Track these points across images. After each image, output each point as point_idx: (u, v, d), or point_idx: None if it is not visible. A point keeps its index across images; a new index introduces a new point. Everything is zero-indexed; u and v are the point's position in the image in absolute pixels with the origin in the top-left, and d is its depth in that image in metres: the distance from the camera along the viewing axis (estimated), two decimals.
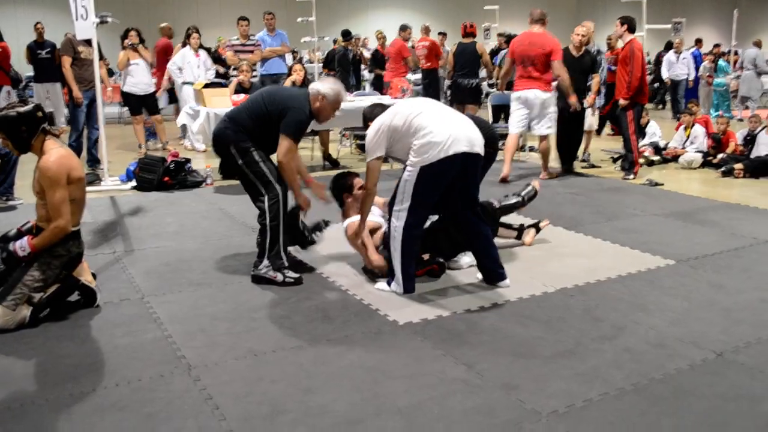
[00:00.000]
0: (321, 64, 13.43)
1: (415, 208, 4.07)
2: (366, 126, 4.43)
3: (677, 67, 14.19)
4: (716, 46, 17.12)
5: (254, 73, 9.37)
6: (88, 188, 7.36)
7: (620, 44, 8.27)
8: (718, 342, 3.60)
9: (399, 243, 4.14)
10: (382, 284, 4.36)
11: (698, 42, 16.10)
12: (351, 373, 3.28)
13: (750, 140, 8.61)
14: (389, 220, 4.23)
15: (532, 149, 9.64)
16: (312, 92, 4.47)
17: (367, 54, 14.34)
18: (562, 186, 7.72)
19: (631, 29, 8.02)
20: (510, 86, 9.09)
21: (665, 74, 14.46)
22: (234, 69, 9.47)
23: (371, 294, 4.29)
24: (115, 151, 9.98)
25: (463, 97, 10.40)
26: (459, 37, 10.59)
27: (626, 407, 2.96)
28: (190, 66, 10.38)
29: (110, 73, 13.67)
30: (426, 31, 12.99)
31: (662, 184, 7.70)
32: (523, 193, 5.36)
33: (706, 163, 8.85)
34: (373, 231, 4.62)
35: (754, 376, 3.24)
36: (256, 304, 4.16)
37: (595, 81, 8.35)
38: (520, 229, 5.39)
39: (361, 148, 9.39)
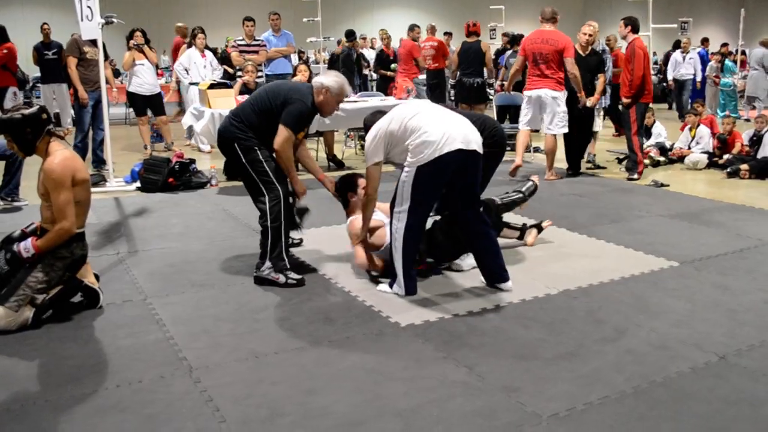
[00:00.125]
0: (326, 65, 13.44)
1: (415, 208, 4.07)
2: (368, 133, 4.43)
3: (683, 67, 14.14)
4: (724, 45, 17.05)
5: (259, 74, 9.37)
6: (93, 189, 7.42)
7: (624, 45, 8.27)
8: (721, 344, 3.58)
9: (400, 244, 4.14)
10: (383, 286, 4.36)
11: (705, 41, 16.05)
12: (352, 375, 3.28)
13: (756, 141, 8.56)
14: (390, 223, 4.23)
15: (537, 150, 9.62)
16: (316, 85, 4.47)
17: (370, 54, 14.30)
18: (567, 187, 7.70)
19: (635, 29, 8.01)
20: (517, 87, 9.13)
21: (670, 74, 14.41)
22: (239, 70, 9.47)
23: (373, 296, 4.29)
24: (121, 152, 10.00)
25: (468, 97, 10.42)
26: (464, 36, 10.60)
27: (626, 410, 2.95)
28: (196, 66, 10.39)
29: (116, 73, 13.72)
30: (432, 30, 12.98)
31: (668, 185, 7.68)
32: (523, 189, 5.37)
33: (711, 164, 8.82)
34: (374, 230, 4.63)
35: (757, 379, 3.23)
36: (259, 306, 4.17)
37: (600, 81, 8.29)
38: (523, 229, 5.39)
39: None
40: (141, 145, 10.10)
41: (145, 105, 9.96)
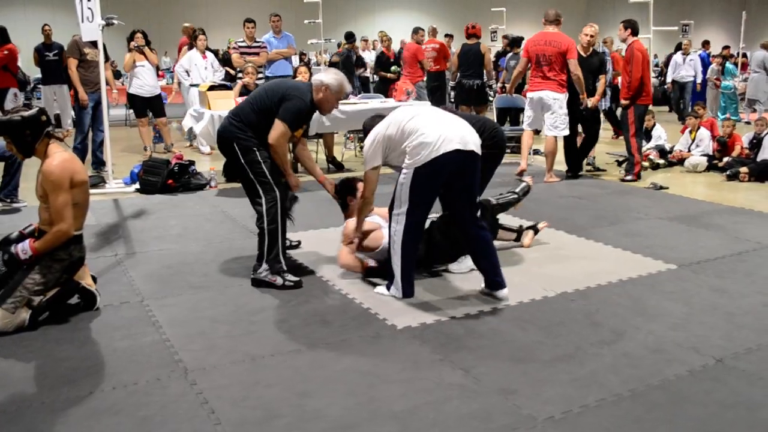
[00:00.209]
0: (327, 67, 13.44)
1: (413, 210, 4.06)
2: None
3: (683, 69, 14.12)
4: (725, 48, 17.04)
5: (260, 76, 9.37)
6: (93, 191, 7.41)
7: (620, 47, 8.30)
8: (718, 347, 3.58)
9: (399, 246, 4.13)
10: (381, 288, 4.36)
11: (705, 44, 16.04)
12: (347, 377, 3.28)
13: (756, 143, 8.55)
14: (389, 225, 4.23)
15: (537, 152, 9.62)
16: (315, 83, 4.47)
17: (371, 57, 14.29)
18: (566, 189, 7.70)
19: (635, 32, 8.06)
20: (517, 89, 9.16)
21: (670, 76, 14.40)
22: (240, 71, 9.48)
23: (370, 298, 4.28)
24: (121, 154, 10.01)
25: (468, 99, 10.44)
26: (465, 39, 10.61)
27: (622, 413, 2.94)
28: (197, 68, 10.40)
29: (117, 75, 13.75)
30: (433, 32, 13.00)
31: (667, 188, 7.67)
32: (517, 190, 5.40)
33: (711, 167, 8.81)
34: (369, 232, 4.65)
35: (754, 382, 3.22)
36: (256, 308, 4.17)
37: (601, 82, 8.30)
38: (519, 231, 5.41)
39: None
40: (141, 146, 10.10)
41: (145, 106, 9.96)
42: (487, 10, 17.94)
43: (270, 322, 3.95)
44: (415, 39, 11.33)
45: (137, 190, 7.60)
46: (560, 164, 8.44)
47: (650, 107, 9.29)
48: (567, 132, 7.99)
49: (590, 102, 8.03)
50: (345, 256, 4.72)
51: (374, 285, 4.47)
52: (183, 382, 3.22)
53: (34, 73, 14.46)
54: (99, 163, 8.67)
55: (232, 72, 10.73)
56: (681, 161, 9.12)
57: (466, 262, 4.72)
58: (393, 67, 12.35)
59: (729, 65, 14.82)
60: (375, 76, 13.38)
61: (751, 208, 6.73)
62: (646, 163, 8.90)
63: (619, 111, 8.95)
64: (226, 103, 7.82)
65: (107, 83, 8.20)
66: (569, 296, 4.34)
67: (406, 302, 4.20)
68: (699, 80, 14.11)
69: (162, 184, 7.48)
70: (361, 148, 9.82)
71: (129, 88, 9.96)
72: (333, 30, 16.76)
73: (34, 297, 3.81)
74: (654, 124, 9.67)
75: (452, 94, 12.65)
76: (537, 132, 8.99)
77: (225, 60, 11.53)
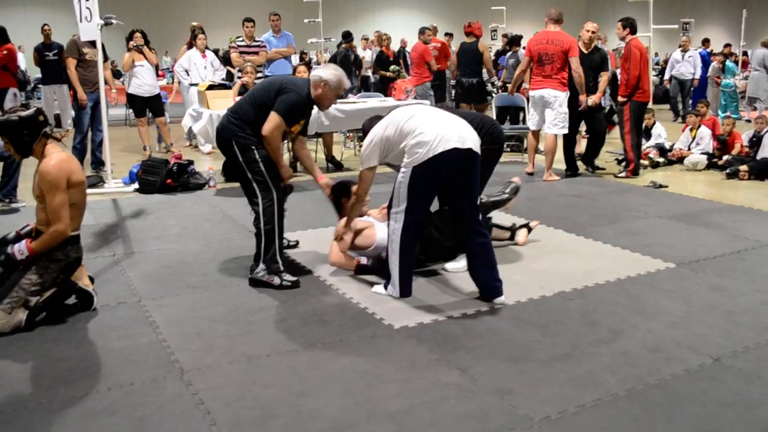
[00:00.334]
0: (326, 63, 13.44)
1: (412, 209, 4.06)
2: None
3: (682, 66, 14.10)
4: (726, 46, 17.02)
5: (259, 75, 9.36)
6: (91, 190, 7.43)
7: (613, 45, 8.33)
8: (716, 346, 3.57)
9: (397, 245, 4.13)
10: (378, 287, 4.35)
11: (705, 42, 16.01)
12: (344, 377, 3.27)
13: (756, 142, 8.54)
14: (388, 224, 4.23)
15: (537, 151, 9.60)
16: (314, 78, 4.47)
17: (369, 55, 14.27)
18: (565, 188, 7.69)
19: (633, 30, 8.12)
20: (520, 89, 9.17)
21: (668, 73, 14.37)
22: (239, 71, 9.47)
23: (368, 298, 4.28)
24: (120, 153, 10.01)
25: (468, 97, 10.44)
26: (464, 37, 10.63)
27: (619, 413, 2.93)
28: (196, 67, 10.40)
29: (117, 74, 13.75)
30: (434, 31, 12.98)
31: (666, 186, 7.66)
32: (507, 190, 5.40)
33: (711, 165, 8.80)
34: (361, 230, 4.69)
35: (752, 381, 3.21)
36: (253, 308, 4.16)
37: (603, 79, 8.26)
38: (512, 229, 5.43)
39: None
40: (140, 146, 10.10)
41: (144, 106, 9.96)
42: (488, 8, 17.92)
43: (267, 322, 3.94)
44: (422, 39, 11.25)
45: (136, 190, 7.60)
46: (560, 162, 8.42)
47: (650, 105, 9.31)
48: (566, 130, 8.01)
49: (590, 100, 8.02)
50: (336, 253, 4.74)
51: (372, 284, 4.46)
52: (179, 383, 3.22)
53: (35, 73, 14.46)
54: (98, 163, 8.67)
55: (234, 71, 10.71)
56: (681, 159, 9.10)
57: (464, 261, 4.72)
58: (392, 66, 12.34)
59: (729, 63, 14.80)
60: (375, 75, 13.36)
61: (751, 206, 6.71)
62: (645, 162, 8.89)
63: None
64: (225, 102, 7.81)
65: (106, 83, 8.20)
66: (567, 295, 4.33)
67: (403, 302, 4.19)
68: (697, 76, 14.07)
69: (161, 184, 7.48)
70: (361, 147, 9.86)
71: (128, 88, 9.95)
72: (333, 29, 16.75)
73: (30, 297, 3.81)
74: (654, 123, 9.65)
75: (452, 93, 12.64)
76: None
77: (226, 59, 11.52)
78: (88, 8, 7.51)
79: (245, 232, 5.76)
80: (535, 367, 3.36)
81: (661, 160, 9.14)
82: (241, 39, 10.22)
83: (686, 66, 14.07)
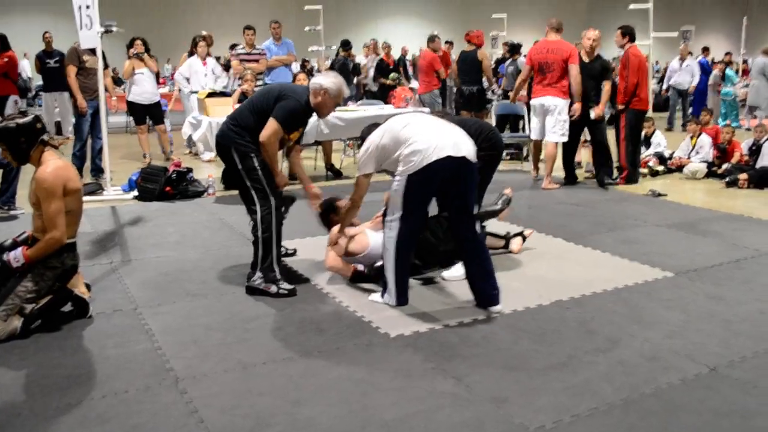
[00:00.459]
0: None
1: (406, 217, 4.07)
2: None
3: (680, 75, 14.04)
4: (727, 54, 17.04)
5: (259, 83, 9.37)
6: (90, 198, 7.44)
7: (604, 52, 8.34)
8: (713, 355, 3.56)
9: (392, 254, 4.13)
10: (375, 296, 4.35)
11: (705, 50, 16.01)
12: (340, 385, 3.26)
13: (755, 150, 8.53)
14: (384, 232, 4.23)
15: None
16: (314, 86, 4.47)
17: (370, 61, 14.26)
18: (564, 196, 7.69)
19: (632, 38, 8.17)
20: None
21: (666, 82, 14.34)
22: (239, 78, 9.48)
23: (364, 306, 4.27)
24: (120, 161, 10.01)
25: (468, 104, 10.47)
26: (465, 46, 10.66)
27: (614, 422, 2.92)
28: (196, 75, 10.41)
29: (119, 82, 13.77)
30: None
31: (665, 195, 7.65)
32: (498, 202, 5.43)
33: (710, 174, 8.79)
34: (353, 237, 4.72)
35: (748, 390, 3.20)
36: (250, 316, 4.15)
37: (605, 89, 8.14)
38: (507, 238, 5.44)
39: None
40: (140, 153, 10.10)
41: (144, 114, 9.96)
42: (488, 16, 17.94)
43: (264, 330, 3.93)
44: (431, 47, 11.25)
45: (135, 198, 7.60)
46: (560, 170, 8.41)
47: (651, 114, 9.32)
48: (566, 138, 8.01)
49: (593, 113, 7.97)
50: (332, 258, 4.74)
51: (368, 292, 4.46)
52: (174, 391, 3.21)
53: (38, 80, 14.49)
54: (98, 171, 8.67)
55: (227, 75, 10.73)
56: (680, 168, 9.09)
57: (461, 269, 4.71)
58: (392, 74, 12.35)
59: (729, 72, 14.78)
60: (375, 83, 13.36)
61: (750, 215, 6.70)
62: (645, 170, 8.89)
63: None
64: (225, 109, 7.83)
65: (106, 90, 8.21)
66: (564, 304, 4.32)
67: (399, 310, 4.18)
68: (694, 84, 14.00)
69: (160, 192, 7.47)
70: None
71: (128, 96, 9.96)
72: (334, 37, 16.79)
73: (26, 305, 3.81)
74: (654, 131, 9.65)
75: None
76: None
77: (227, 66, 11.54)
78: (88, 16, 7.53)
79: (243, 240, 5.76)
80: (531, 376, 3.35)
81: (661, 168, 9.13)
82: (241, 47, 10.24)
83: (684, 75, 13.99)
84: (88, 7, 7.52)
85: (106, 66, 8.50)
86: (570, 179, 8.35)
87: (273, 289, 4.44)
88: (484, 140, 4.80)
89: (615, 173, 8.46)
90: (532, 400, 3.11)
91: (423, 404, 3.08)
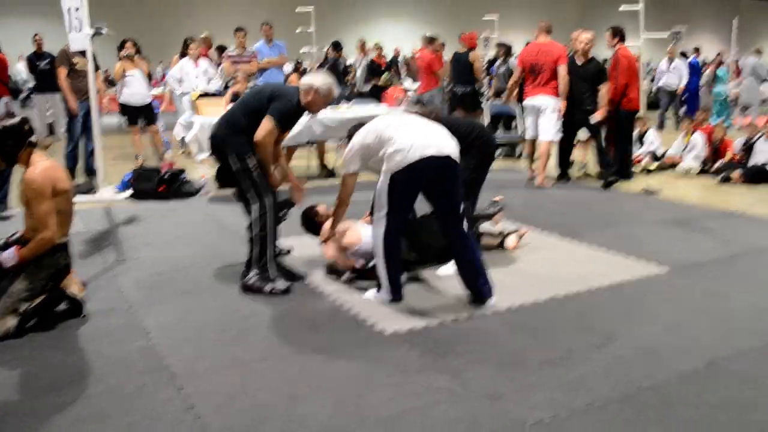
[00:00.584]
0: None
1: (392, 213, 4.11)
2: None
3: (668, 77, 14.01)
4: (718, 54, 17.08)
5: (250, 84, 9.35)
6: (84, 198, 7.41)
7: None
8: (709, 350, 3.57)
9: (381, 250, 4.16)
10: (370, 293, 4.35)
11: (696, 50, 16.03)
12: (335, 383, 3.26)
13: (747, 148, 8.56)
14: (373, 229, 4.25)
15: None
16: (304, 86, 4.49)
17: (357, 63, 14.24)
18: (559, 193, 7.71)
19: (622, 39, 8.24)
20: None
21: (655, 84, 14.31)
22: (231, 79, 9.47)
23: (359, 303, 4.26)
24: (113, 161, 9.97)
25: (460, 105, 10.48)
26: (457, 47, 10.69)
27: (611, 417, 2.92)
28: (188, 76, 10.37)
29: (111, 83, 13.71)
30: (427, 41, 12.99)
31: (659, 192, 7.66)
32: (490, 210, 5.55)
33: (703, 171, 8.81)
34: (344, 231, 4.75)
35: (745, 384, 3.21)
36: (245, 314, 4.14)
37: (602, 92, 7.98)
38: (502, 236, 5.45)
39: None
40: (133, 154, 10.05)
41: (136, 115, 9.92)
42: (479, 18, 17.95)
43: (259, 328, 3.92)
44: (431, 48, 11.26)
45: (129, 198, 7.56)
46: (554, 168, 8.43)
47: (643, 113, 9.33)
48: (558, 137, 8.07)
49: (594, 118, 7.90)
50: (331, 249, 4.74)
51: (363, 290, 4.45)
52: (170, 388, 3.19)
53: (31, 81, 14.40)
54: (91, 172, 8.63)
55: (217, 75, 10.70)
56: (673, 166, 9.11)
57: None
58: (384, 75, 12.35)
59: (720, 71, 14.80)
60: (366, 85, 13.32)
61: (743, 211, 6.72)
62: (638, 168, 8.90)
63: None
64: (217, 110, 7.80)
65: (98, 91, 8.17)
66: (560, 300, 4.32)
67: (394, 307, 4.18)
68: (682, 85, 13.97)
69: (153, 191, 7.45)
70: None
71: (120, 97, 9.91)
72: (325, 38, 16.73)
73: (20, 304, 3.79)
74: (647, 129, 9.67)
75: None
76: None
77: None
78: (77, 18, 7.50)
79: (237, 239, 5.73)
80: (527, 372, 3.34)
81: (654, 166, 9.15)
82: (232, 48, 10.23)
83: (672, 77, 13.97)
84: (77, 9, 7.49)
85: (97, 68, 8.46)
86: (564, 177, 8.36)
87: (267, 287, 4.43)
88: (475, 139, 4.83)
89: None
90: (528, 395, 3.11)
91: (419, 400, 3.07)
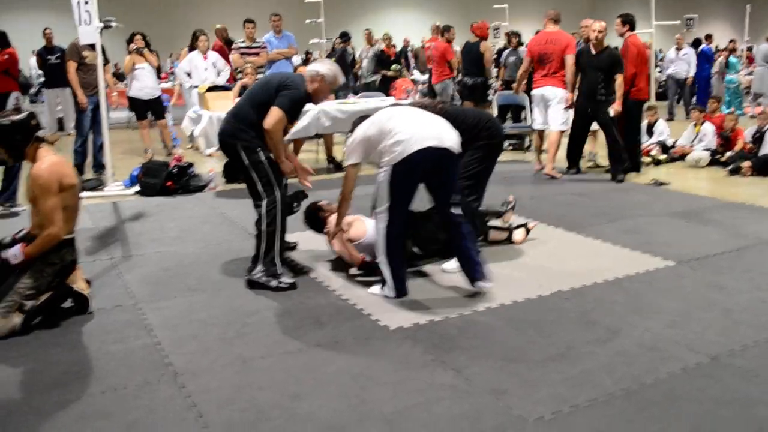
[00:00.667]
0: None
1: (394, 207, 4.12)
2: None
3: (677, 65, 13.89)
4: (731, 41, 16.92)
5: (259, 76, 9.35)
6: (91, 194, 7.45)
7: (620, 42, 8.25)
8: (714, 344, 3.54)
9: (384, 245, 4.17)
10: (375, 288, 4.35)
11: (708, 38, 15.87)
12: (339, 379, 3.26)
13: (759, 138, 8.48)
14: (376, 224, 4.26)
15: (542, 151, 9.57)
16: (310, 73, 4.49)
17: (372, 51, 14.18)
18: (566, 185, 7.67)
19: (632, 27, 8.15)
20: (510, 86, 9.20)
21: (664, 73, 14.19)
22: (239, 72, 9.46)
23: (363, 298, 4.27)
24: (121, 156, 10.01)
25: (471, 95, 10.46)
26: (466, 36, 10.65)
27: (614, 413, 2.91)
28: (197, 70, 10.38)
29: (121, 77, 13.75)
30: (437, 30, 12.94)
31: (668, 184, 7.61)
32: (503, 208, 5.54)
33: (714, 162, 8.74)
34: (350, 224, 4.77)
35: (749, 379, 3.19)
36: (250, 310, 4.15)
37: (618, 82, 7.69)
38: (509, 229, 5.44)
39: None
40: (142, 149, 10.10)
41: (145, 109, 9.95)
42: (489, 7, 17.86)
43: (263, 324, 3.93)
44: (445, 37, 11.21)
45: (136, 193, 7.59)
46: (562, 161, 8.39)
47: (654, 102, 9.24)
48: (566, 127, 8.08)
49: (612, 110, 7.67)
50: (339, 244, 4.74)
51: (368, 285, 4.45)
52: (173, 386, 3.21)
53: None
54: (99, 166, 8.67)
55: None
56: (683, 156, 9.05)
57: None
58: (393, 66, 12.31)
59: (732, 59, 14.67)
60: (374, 75, 13.27)
61: (753, 203, 6.66)
62: (648, 159, 8.85)
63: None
64: (225, 104, 7.82)
65: (106, 86, 8.20)
66: (565, 294, 4.30)
67: (399, 302, 4.18)
68: (692, 74, 13.85)
69: (161, 186, 7.47)
70: None
71: (129, 91, 9.95)
72: (334, 30, 16.70)
73: (26, 301, 3.81)
74: (657, 120, 9.60)
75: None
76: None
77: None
78: (87, 11, 7.51)
79: (245, 234, 5.75)
80: (530, 368, 3.33)
81: (664, 157, 9.09)
82: (241, 40, 10.22)
83: (681, 64, 13.84)
84: (86, 2, 7.50)
85: (106, 61, 8.49)
86: (573, 169, 8.29)
87: (273, 283, 4.44)
88: (482, 129, 4.82)
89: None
90: (531, 391, 3.10)
91: (422, 396, 3.07)
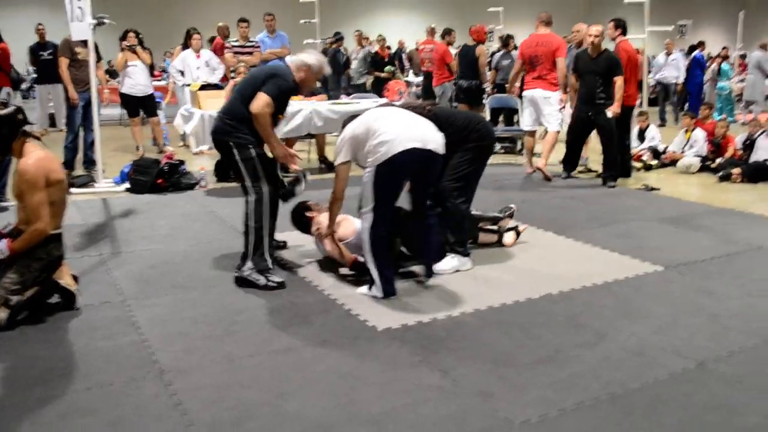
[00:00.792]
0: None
1: (378, 207, 4.15)
2: None
3: (666, 70, 13.90)
4: (724, 48, 16.97)
5: None
6: (81, 190, 7.42)
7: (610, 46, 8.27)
8: (701, 350, 3.54)
9: (369, 245, 4.19)
10: (363, 288, 4.34)
11: (701, 44, 15.92)
12: (326, 378, 3.25)
13: (749, 145, 8.51)
14: (360, 224, 4.27)
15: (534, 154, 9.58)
16: (297, 62, 4.54)
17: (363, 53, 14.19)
18: (558, 189, 7.67)
19: (624, 32, 8.16)
20: (503, 89, 9.22)
21: (652, 78, 14.19)
22: (233, 71, 9.44)
23: (352, 298, 4.26)
24: (113, 153, 9.97)
25: (465, 98, 10.47)
26: (462, 39, 10.65)
27: (600, 417, 2.91)
28: (189, 68, 10.35)
29: (114, 74, 13.71)
30: (431, 33, 12.95)
31: (658, 189, 7.63)
32: (500, 214, 5.51)
33: (704, 168, 8.77)
34: (339, 223, 4.74)
35: (734, 386, 3.19)
36: (238, 308, 4.13)
37: (617, 85, 7.65)
38: (500, 232, 5.43)
39: None
40: (134, 146, 10.06)
41: (137, 106, 9.92)
42: (484, 10, 17.87)
43: (251, 323, 3.92)
44: (446, 40, 11.23)
45: (127, 190, 7.56)
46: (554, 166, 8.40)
47: (646, 108, 9.25)
48: (558, 128, 8.14)
49: (610, 112, 7.64)
50: (330, 243, 4.71)
51: (357, 285, 4.44)
52: (158, 383, 3.19)
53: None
54: (90, 163, 8.63)
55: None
56: (674, 162, 9.07)
57: (451, 263, 4.71)
58: (387, 67, 12.31)
59: (724, 66, 14.71)
60: (363, 77, 13.27)
61: (743, 209, 6.68)
62: (638, 164, 8.87)
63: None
64: (217, 102, 7.78)
65: (99, 82, 8.16)
66: (554, 298, 4.30)
67: (387, 303, 4.18)
68: (681, 79, 13.88)
69: (152, 184, 7.44)
70: None
71: (121, 88, 9.92)
72: (329, 30, 16.69)
73: (11, 296, 3.78)
74: (648, 125, 9.63)
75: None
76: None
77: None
78: (79, 8, 7.48)
79: (235, 233, 5.71)
80: (518, 370, 3.33)
81: (654, 162, 9.11)
82: (235, 39, 10.19)
83: (670, 69, 13.86)
84: None
85: (99, 58, 8.45)
86: (567, 172, 8.26)
87: (262, 281, 4.42)
88: (471, 131, 4.81)
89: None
90: (518, 394, 3.10)
91: (409, 397, 3.07)
